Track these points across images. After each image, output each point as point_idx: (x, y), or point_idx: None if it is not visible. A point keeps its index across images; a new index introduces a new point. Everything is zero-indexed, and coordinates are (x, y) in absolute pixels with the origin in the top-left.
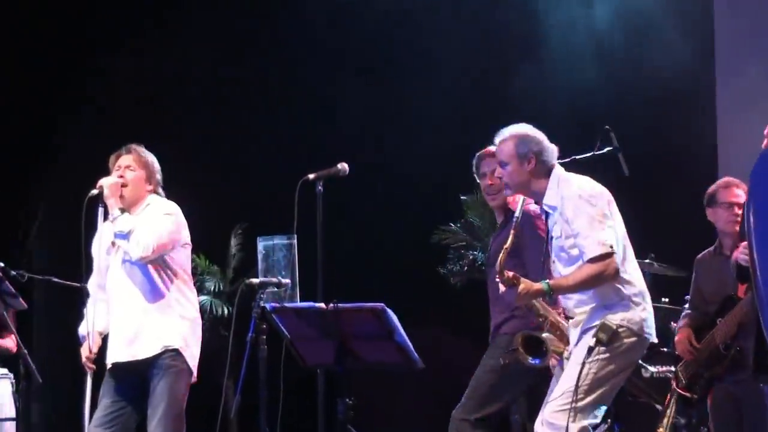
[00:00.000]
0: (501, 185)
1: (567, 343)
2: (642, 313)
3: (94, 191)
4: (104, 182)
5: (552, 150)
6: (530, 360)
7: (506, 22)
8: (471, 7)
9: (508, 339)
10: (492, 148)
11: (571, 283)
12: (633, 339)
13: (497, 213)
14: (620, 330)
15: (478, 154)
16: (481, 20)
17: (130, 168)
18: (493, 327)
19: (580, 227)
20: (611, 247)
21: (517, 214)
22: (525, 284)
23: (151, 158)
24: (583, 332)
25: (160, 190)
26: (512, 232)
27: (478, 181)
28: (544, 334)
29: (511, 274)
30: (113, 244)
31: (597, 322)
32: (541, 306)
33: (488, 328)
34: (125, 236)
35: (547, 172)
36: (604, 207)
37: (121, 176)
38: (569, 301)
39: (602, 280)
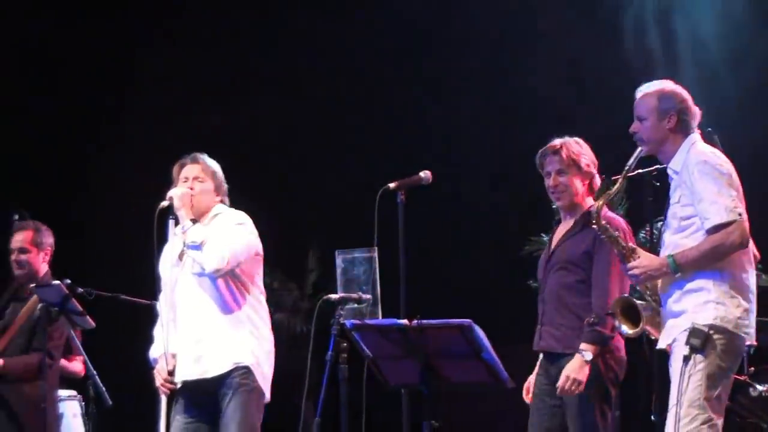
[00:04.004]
0: (564, 186)
1: (659, 332)
2: (736, 310)
3: (165, 203)
4: (174, 193)
5: (695, 112)
6: (623, 328)
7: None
8: None
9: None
10: (557, 142)
11: (698, 255)
12: (728, 339)
13: (562, 213)
14: (712, 332)
15: (541, 150)
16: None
17: (198, 179)
18: (556, 343)
19: (705, 192)
20: (740, 214)
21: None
22: (645, 259)
23: (217, 167)
24: (675, 339)
25: (226, 200)
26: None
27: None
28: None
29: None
30: (180, 257)
31: (688, 326)
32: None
33: None
34: (198, 247)
35: (684, 133)
36: (732, 180)
37: (191, 187)
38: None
39: (731, 249)
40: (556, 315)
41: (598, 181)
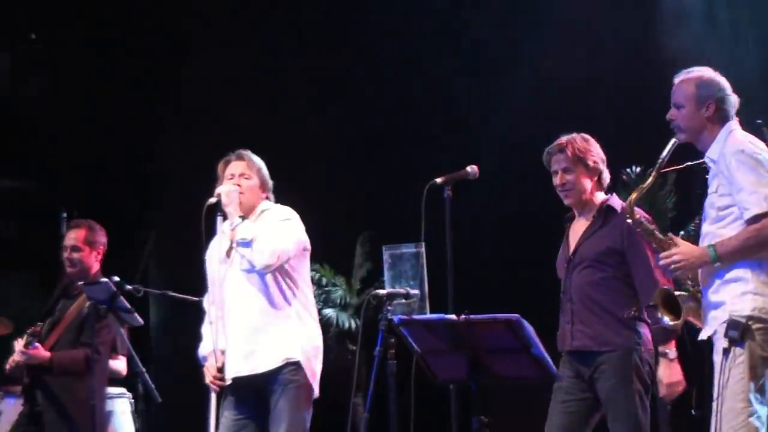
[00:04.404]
0: (572, 183)
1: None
2: None
3: (212, 199)
4: (222, 190)
5: (734, 101)
6: (665, 318)
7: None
8: None
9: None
10: (564, 139)
11: (738, 245)
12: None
13: (576, 211)
14: (751, 322)
15: (547, 148)
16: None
17: (245, 176)
18: (590, 342)
19: (743, 182)
20: None
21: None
22: (685, 247)
23: (262, 163)
24: (716, 331)
25: (272, 196)
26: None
27: None
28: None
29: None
30: (228, 254)
31: (726, 318)
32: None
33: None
34: (248, 244)
35: (722, 122)
36: None
37: (238, 184)
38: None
39: None
40: (587, 313)
41: (607, 176)
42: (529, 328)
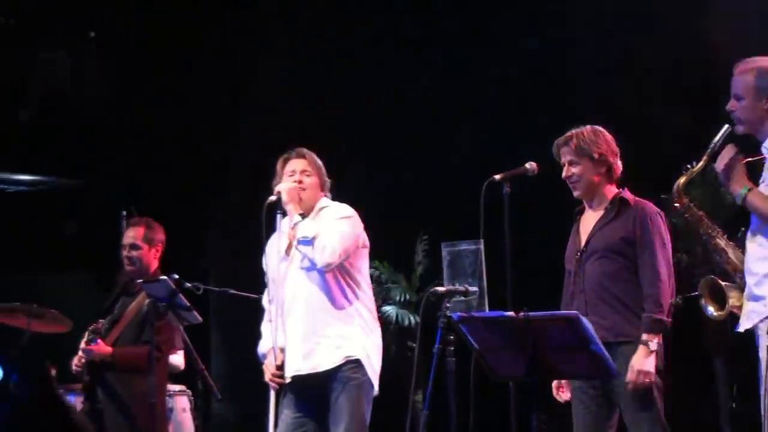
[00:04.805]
0: (577, 176)
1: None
2: None
3: (272, 197)
4: (282, 187)
5: None
6: (709, 309)
7: None
8: None
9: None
10: (572, 131)
11: (761, 206)
12: None
13: (586, 203)
14: None
15: (556, 141)
16: None
17: (306, 173)
18: (606, 333)
19: None
20: None
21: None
22: (735, 174)
23: (320, 161)
24: (755, 326)
25: (329, 194)
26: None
27: None
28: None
29: None
30: (287, 251)
31: (766, 313)
32: (734, 255)
33: (688, 336)
34: (309, 242)
35: None
36: None
37: (300, 181)
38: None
39: None
40: (602, 305)
41: (617, 168)
42: (588, 325)
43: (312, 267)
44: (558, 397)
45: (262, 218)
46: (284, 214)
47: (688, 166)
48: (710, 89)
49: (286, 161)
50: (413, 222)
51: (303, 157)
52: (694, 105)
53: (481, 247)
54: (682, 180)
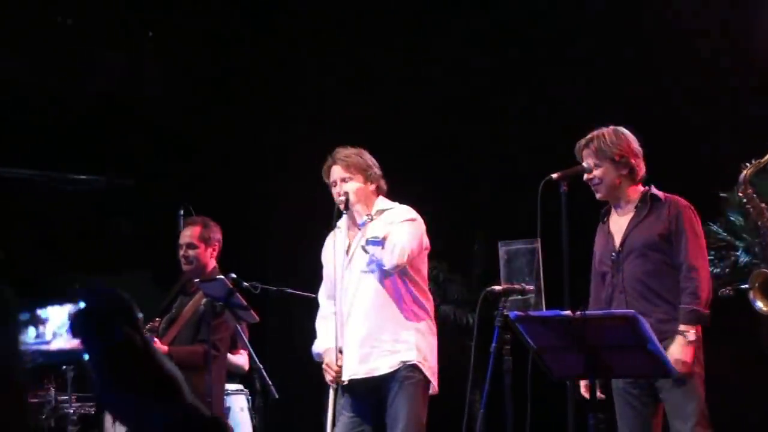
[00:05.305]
0: (599, 179)
1: None
2: None
3: (341, 198)
4: (349, 188)
5: None
6: (758, 303)
7: None
8: None
9: None
10: (593, 133)
11: None
12: None
13: (613, 204)
14: None
15: (577, 143)
16: None
17: (345, 179)
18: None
19: None
20: None
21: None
22: None
23: (360, 157)
24: None
25: (382, 183)
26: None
27: None
28: None
29: None
30: (347, 252)
31: None
32: None
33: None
34: (379, 243)
35: None
36: None
37: (343, 192)
38: None
39: None
40: (644, 303)
41: (640, 168)
42: (646, 324)
43: (376, 268)
44: (585, 396)
45: (333, 220)
46: (344, 213)
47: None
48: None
49: (328, 168)
50: (471, 221)
51: (337, 163)
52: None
53: (538, 245)
54: (749, 171)
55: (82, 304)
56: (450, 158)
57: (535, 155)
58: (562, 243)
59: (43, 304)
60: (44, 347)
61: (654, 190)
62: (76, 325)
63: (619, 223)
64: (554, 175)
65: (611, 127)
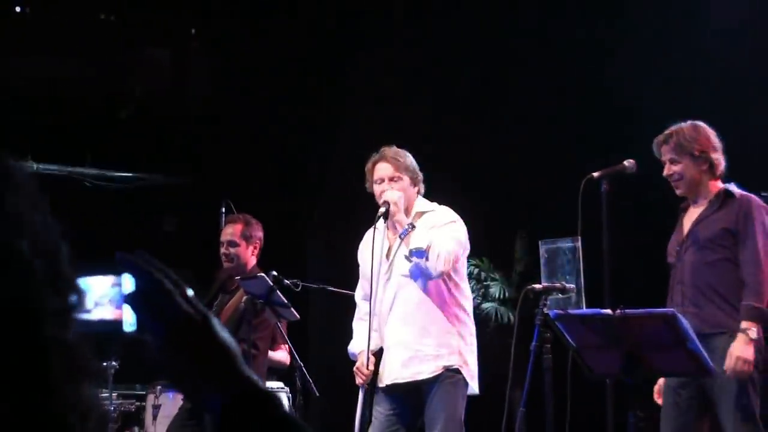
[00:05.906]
0: (679, 174)
1: None
2: None
3: (382, 209)
4: (391, 198)
5: None
6: None
7: None
8: None
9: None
10: (672, 128)
11: None
12: None
13: (689, 199)
14: None
15: (655, 139)
16: None
17: (394, 179)
18: (702, 323)
19: None
20: None
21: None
22: None
23: (407, 156)
24: None
25: (422, 186)
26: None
27: None
28: None
29: None
30: (387, 255)
31: None
32: None
33: None
34: (422, 254)
35: None
36: None
37: (384, 203)
38: None
39: None
40: (699, 296)
41: (719, 163)
42: (685, 323)
43: (417, 275)
44: (658, 402)
45: (373, 229)
46: (386, 216)
47: None
48: None
49: (374, 165)
50: (512, 219)
51: (388, 161)
52: None
53: (579, 244)
54: None
55: (126, 278)
56: (491, 157)
57: (577, 154)
58: (602, 242)
59: (84, 274)
60: (85, 316)
61: (731, 187)
62: (136, 309)
63: (690, 217)
64: (595, 174)
65: (689, 122)
